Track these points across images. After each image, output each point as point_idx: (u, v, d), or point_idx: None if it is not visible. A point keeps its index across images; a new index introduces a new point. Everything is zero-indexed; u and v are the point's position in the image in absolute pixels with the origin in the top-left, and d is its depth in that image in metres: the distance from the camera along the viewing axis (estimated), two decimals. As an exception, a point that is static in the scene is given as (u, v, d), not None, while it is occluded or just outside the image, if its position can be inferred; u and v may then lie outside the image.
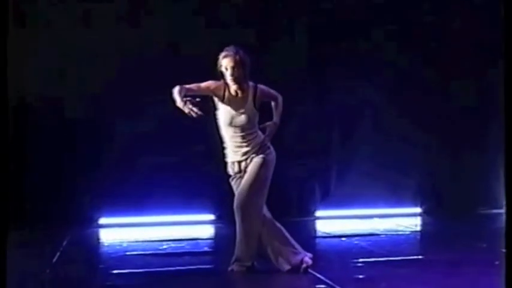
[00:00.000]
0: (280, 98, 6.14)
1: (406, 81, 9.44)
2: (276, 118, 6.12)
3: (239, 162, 6.00)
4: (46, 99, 8.73)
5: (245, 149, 5.97)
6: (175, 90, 5.70)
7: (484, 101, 9.49)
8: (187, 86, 5.80)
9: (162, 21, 8.91)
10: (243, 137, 5.95)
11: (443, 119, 9.55)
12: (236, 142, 5.98)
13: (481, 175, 9.66)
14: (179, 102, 5.63)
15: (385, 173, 9.39)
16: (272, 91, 6.14)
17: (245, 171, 5.98)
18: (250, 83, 5.99)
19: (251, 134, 5.97)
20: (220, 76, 5.94)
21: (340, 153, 9.46)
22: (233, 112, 5.92)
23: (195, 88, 5.87)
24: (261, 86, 6.05)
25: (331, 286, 5.53)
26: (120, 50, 8.77)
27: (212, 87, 5.93)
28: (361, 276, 5.91)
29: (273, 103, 6.16)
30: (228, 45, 5.99)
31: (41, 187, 8.68)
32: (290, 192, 9.21)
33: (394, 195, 9.51)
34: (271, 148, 6.06)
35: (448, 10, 9.50)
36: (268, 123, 6.07)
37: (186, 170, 8.83)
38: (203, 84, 5.92)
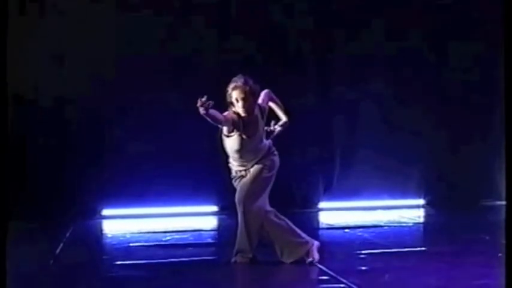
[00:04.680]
0: (270, 92, 6.18)
1: (410, 73, 9.41)
2: (284, 116, 6.19)
3: (245, 170, 6.06)
4: (49, 94, 8.73)
5: (252, 162, 6.03)
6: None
7: (488, 93, 9.47)
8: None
9: (163, 18, 8.89)
10: (252, 154, 6.01)
11: (446, 110, 9.53)
12: (244, 158, 6.03)
13: (485, 167, 9.64)
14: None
15: (388, 165, 9.38)
16: (262, 95, 6.11)
17: (248, 172, 6.05)
18: None
19: (259, 148, 6.02)
20: (229, 106, 5.95)
21: (343, 145, 9.45)
22: (246, 139, 5.94)
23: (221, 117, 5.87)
24: (259, 103, 6.05)
25: (334, 277, 5.54)
26: (120, 48, 8.75)
27: (233, 119, 5.91)
28: (364, 268, 5.91)
29: (271, 104, 6.20)
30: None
31: (44, 179, 8.67)
32: (293, 184, 9.20)
33: (398, 187, 9.51)
34: (275, 152, 6.12)
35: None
36: (280, 123, 6.15)
37: (189, 161, 8.82)
38: (228, 117, 5.88)
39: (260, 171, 5.99)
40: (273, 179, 6.10)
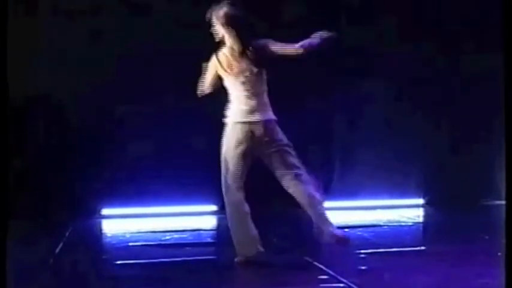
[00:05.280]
0: (285, 46, 5.76)
1: (410, 72, 9.41)
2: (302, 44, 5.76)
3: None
4: (49, 94, 8.74)
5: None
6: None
7: (488, 92, 9.46)
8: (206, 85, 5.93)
9: (162, 14, 8.89)
10: (243, 101, 5.86)
11: (446, 110, 9.54)
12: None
13: (484, 166, 9.64)
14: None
15: (388, 164, 9.37)
16: (276, 46, 5.71)
17: None
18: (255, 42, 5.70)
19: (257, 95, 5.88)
20: (218, 43, 5.81)
21: (343, 144, 9.45)
22: (233, 80, 5.83)
23: (210, 82, 5.96)
24: (259, 42, 5.67)
25: (333, 277, 5.54)
26: (121, 48, 8.74)
27: (214, 69, 5.88)
28: (363, 268, 5.91)
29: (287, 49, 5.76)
30: None
31: (44, 179, 8.68)
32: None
33: (397, 187, 9.50)
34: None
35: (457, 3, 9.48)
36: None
37: (189, 160, 8.82)
38: (209, 74, 5.94)
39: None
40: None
